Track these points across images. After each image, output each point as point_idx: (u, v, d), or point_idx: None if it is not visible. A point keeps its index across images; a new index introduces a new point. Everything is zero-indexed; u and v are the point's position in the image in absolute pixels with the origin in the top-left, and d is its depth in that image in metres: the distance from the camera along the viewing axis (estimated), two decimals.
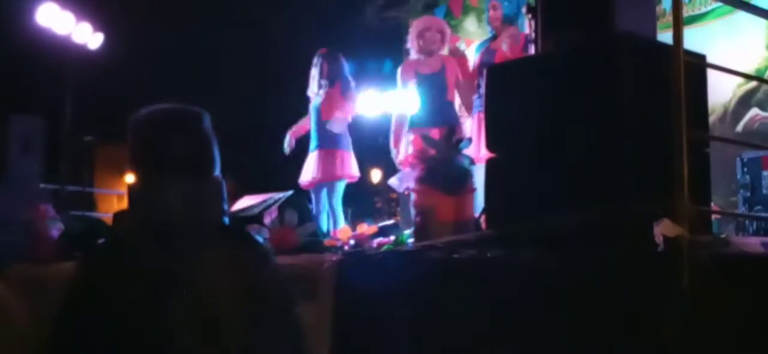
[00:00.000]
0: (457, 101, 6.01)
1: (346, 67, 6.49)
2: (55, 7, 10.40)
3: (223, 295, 1.92)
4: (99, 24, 10.97)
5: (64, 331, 1.99)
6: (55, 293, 4.48)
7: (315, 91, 6.45)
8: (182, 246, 1.94)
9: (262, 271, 2.03)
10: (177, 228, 1.95)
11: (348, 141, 6.32)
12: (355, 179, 6.39)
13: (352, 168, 6.29)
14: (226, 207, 2.12)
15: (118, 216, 4.67)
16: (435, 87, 5.85)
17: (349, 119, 6.33)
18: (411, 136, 5.78)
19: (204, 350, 1.89)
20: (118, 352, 1.88)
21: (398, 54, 11.40)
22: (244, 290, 1.94)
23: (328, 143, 6.24)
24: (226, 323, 1.91)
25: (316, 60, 6.49)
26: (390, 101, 6.51)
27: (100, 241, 2.42)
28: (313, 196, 6.30)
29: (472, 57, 6.19)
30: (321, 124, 6.27)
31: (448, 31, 6.22)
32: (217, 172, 2.08)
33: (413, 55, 6.12)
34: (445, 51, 6.03)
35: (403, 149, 5.93)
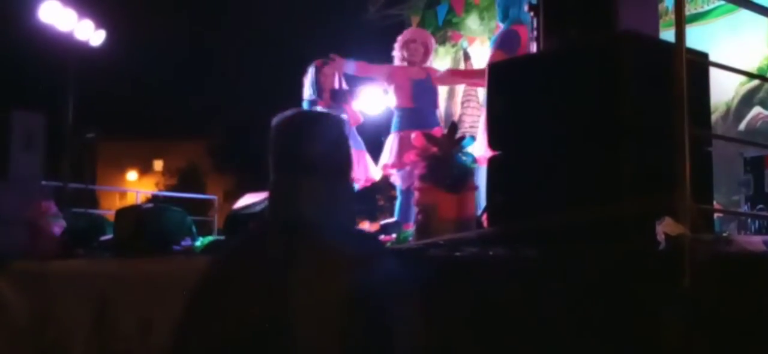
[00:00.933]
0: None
1: (338, 78, 6.54)
2: (57, 5, 10.42)
3: (341, 298, 1.97)
4: (101, 21, 11.00)
5: (193, 318, 2.07)
6: (56, 290, 4.50)
7: (307, 99, 6.50)
8: (309, 245, 2.00)
9: (380, 279, 2.09)
10: (309, 227, 2.02)
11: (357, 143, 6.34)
12: (364, 182, 6.40)
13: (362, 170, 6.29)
14: (353, 209, 2.21)
15: (123, 213, 4.67)
16: (425, 93, 6.21)
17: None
18: (394, 137, 5.93)
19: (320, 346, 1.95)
20: (240, 340, 1.93)
21: None
22: (361, 294, 2.00)
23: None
24: (340, 322, 1.96)
25: (310, 70, 6.57)
26: (392, 100, 6.55)
27: (225, 242, 2.56)
28: None
29: (486, 52, 6.22)
30: None
31: (432, 45, 6.53)
32: (350, 174, 2.17)
33: (398, 62, 6.34)
34: (427, 64, 6.43)
35: (387, 150, 6.04)
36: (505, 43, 5.43)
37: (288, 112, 2.19)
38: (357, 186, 6.17)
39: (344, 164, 2.17)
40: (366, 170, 6.29)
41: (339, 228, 2.10)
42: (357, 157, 6.15)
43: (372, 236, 2.30)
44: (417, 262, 3.07)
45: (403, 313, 2.12)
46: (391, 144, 6.11)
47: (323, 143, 2.11)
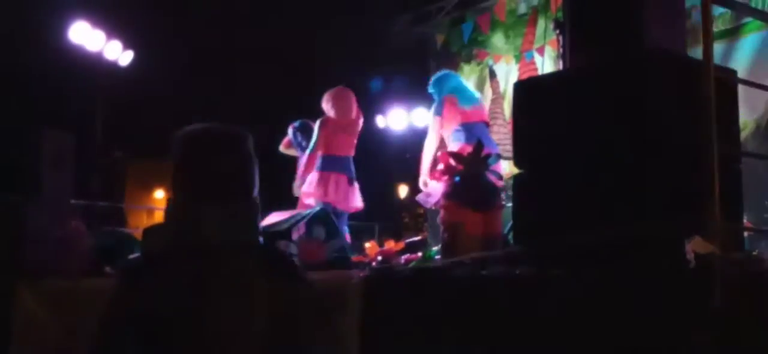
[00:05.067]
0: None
1: (299, 136, 6.88)
2: (86, 26, 10.56)
3: (255, 316, 1.94)
4: (129, 41, 11.12)
5: (102, 346, 2.02)
6: (85, 307, 4.53)
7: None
8: (215, 266, 1.96)
9: (294, 294, 2.04)
10: (212, 248, 1.97)
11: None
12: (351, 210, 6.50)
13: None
14: (259, 227, 2.15)
15: (150, 231, 4.70)
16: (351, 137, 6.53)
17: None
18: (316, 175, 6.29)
19: None
20: None
21: (425, 69, 11.43)
22: (276, 312, 1.96)
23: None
24: (256, 343, 1.93)
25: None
26: (418, 117, 6.60)
27: (133, 257, 2.46)
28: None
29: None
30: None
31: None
32: (255, 193, 2.10)
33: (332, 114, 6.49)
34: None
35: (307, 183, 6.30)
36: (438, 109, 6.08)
37: (194, 128, 2.12)
38: (346, 212, 6.30)
39: (251, 182, 2.09)
40: (352, 199, 6.37)
41: (251, 249, 2.04)
42: (345, 186, 6.32)
43: (284, 255, 2.25)
44: (443, 280, 3.07)
45: (322, 335, 2.07)
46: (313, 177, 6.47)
47: (232, 162, 2.05)
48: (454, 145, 5.80)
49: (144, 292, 1.95)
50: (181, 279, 1.94)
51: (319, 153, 6.31)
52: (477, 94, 6.49)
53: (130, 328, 1.93)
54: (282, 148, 7.05)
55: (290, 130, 6.97)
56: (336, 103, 6.42)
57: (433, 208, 5.98)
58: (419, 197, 5.95)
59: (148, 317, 1.91)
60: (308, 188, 6.24)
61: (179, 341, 1.90)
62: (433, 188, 5.81)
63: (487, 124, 6.26)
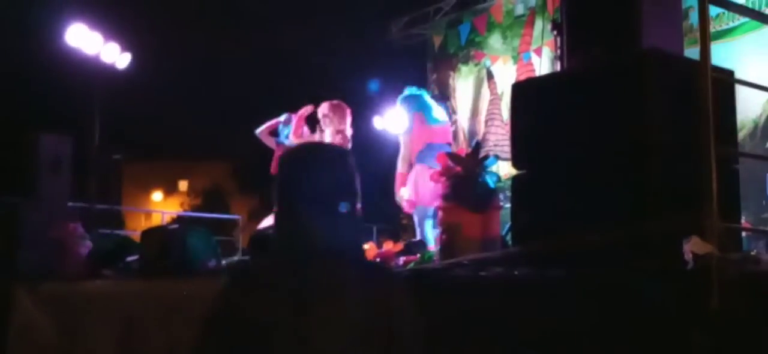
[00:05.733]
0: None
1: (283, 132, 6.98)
2: (83, 28, 10.55)
3: (353, 326, 2.03)
4: (127, 44, 11.11)
5: (205, 347, 2.13)
6: (83, 310, 4.52)
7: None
8: (318, 274, 2.06)
9: (396, 308, 2.14)
10: (315, 256, 2.07)
11: None
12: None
13: None
14: (361, 239, 2.28)
15: (152, 233, 4.70)
16: None
17: None
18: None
19: None
20: None
21: (422, 70, 11.44)
22: (374, 324, 2.05)
23: None
24: (355, 351, 2.02)
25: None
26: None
27: (244, 263, 2.63)
28: None
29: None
30: None
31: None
32: (358, 206, 2.23)
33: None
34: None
35: None
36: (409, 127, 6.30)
37: (301, 146, 2.30)
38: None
39: (353, 194, 2.23)
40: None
41: (352, 258, 2.16)
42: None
43: (385, 266, 2.37)
44: (441, 281, 3.07)
45: (416, 346, 2.17)
46: None
47: (333, 174, 2.19)
48: (418, 166, 6.09)
49: (249, 297, 2.05)
50: (282, 287, 2.04)
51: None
52: (443, 117, 6.69)
53: (234, 331, 2.02)
54: (261, 134, 7.00)
55: (281, 123, 7.01)
56: (334, 115, 6.49)
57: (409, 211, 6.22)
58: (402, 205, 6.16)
59: (250, 323, 2.01)
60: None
61: (281, 346, 1.98)
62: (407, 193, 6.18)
63: (449, 145, 6.51)
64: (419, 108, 6.33)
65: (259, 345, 2.01)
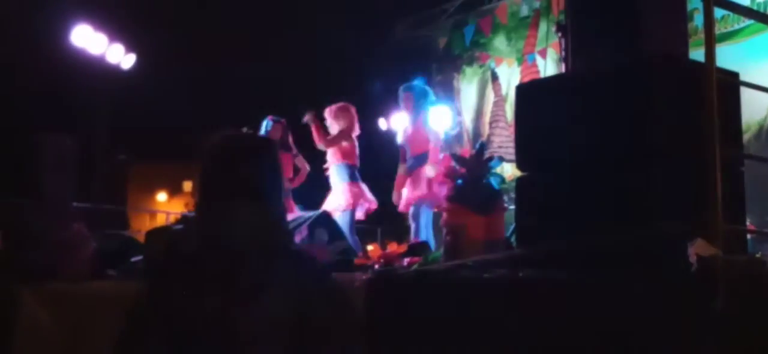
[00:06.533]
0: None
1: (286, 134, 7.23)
2: (88, 29, 10.56)
3: (281, 317, 1.99)
4: (132, 45, 11.12)
5: (126, 345, 2.08)
6: (88, 311, 4.52)
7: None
8: (242, 268, 2.01)
9: (321, 299, 2.09)
10: (239, 250, 2.02)
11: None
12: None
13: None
14: (287, 231, 2.22)
15: (154, 234, 4.71)
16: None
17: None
18: None
19: None
20: None
21: (427, 72, 11.43)
22: (302, 315, 2.01)
23: None
24: (282, 344, 1.97)
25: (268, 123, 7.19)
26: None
27: (166, 259, 2.54)
28: None
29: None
30: None
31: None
32: (282, 198, 2.17)
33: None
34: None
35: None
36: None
37: (220, 135, 2.21)
38: (360, 213, 6.44)
39: (278, 186, 2.18)
40: (363, 197, 6.51)
41: (278, 250, 2.10)
42: (358, 189, 6.53)
43: (310, 258, 2.31)
44: (445, 282, 3.06)
45: (347, 338, 2.12)
46: None
47: (259, 166, 2.13)
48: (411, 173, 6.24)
49: (172, 293, 2.00)
50: (208, 280, 1.99)
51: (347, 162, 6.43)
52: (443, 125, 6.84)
53: (157, 327, 1.98)
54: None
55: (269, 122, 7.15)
56: (342, 116, 6.52)
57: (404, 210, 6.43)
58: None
59: (175, 317, 1.96)
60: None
61: (206, 341, 1.94)
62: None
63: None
64: (425, 108, 6.40)
65: (183, 343, 1.97)
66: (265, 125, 7.16)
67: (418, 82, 6.65)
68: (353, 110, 6.67)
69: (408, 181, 6.35)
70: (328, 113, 6.64)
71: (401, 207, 6.46)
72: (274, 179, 2.17)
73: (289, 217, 4.98)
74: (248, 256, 2.03)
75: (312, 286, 2.07)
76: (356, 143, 6.62)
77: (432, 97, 6.67)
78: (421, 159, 6.22)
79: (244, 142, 2.26)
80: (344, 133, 6.53)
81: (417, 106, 6.44)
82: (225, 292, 1.98)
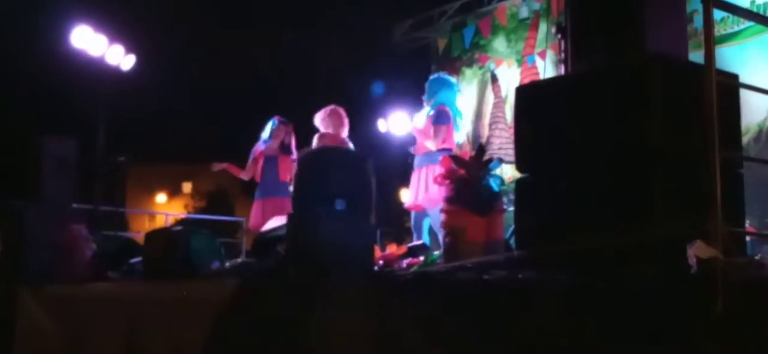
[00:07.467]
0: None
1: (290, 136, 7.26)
2: (88, 30, 10.57)
3: (362, 328, 2.01)
4: (131, 46, 11.13)
5: (221, 341, 2.13)
6: (87, 312, 4.53)
7: (267, 145, 7.17)
8: (328, 276, 2.04)
9: (400, 308, 2.12)
10: (328, 264, 2.05)
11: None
12: None
13: None
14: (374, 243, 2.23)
15: (156, 235, 4.70)
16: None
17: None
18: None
19: None
20: None
21: (426, 74, 11.42)
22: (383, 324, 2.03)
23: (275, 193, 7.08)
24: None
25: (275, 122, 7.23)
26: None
27: (262, 262, 2.57)
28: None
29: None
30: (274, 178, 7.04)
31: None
32: (373, 215, 2.18)
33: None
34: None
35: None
36: (439, 117, 6.27)
37: (317, 148, 2.25)
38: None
39: (367, 201, 2.19)
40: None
41: (360, 263, 2.12)
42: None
43: (391, 273, 2.32)
44: (445, 284, 3.07)
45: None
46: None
47: (348, 179, 2.14)
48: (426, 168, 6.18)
49: (262, 297, 2.04)
50: (295, 287, 2.02)
51: None
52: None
53: (246, 330, 2.01)
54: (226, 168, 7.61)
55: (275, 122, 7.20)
56: (331, 121, 6.54)
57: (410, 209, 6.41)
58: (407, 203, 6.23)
59: (263, 321, 1.99)
60: None
61: (292, 345, 1.97)
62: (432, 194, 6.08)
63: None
64: (454, 116, 6.37)
65: (270, 346, 1.99)
66: (272, 124, 7.18)
67: (440, 75, 6.63)
68: (342, 112, 6.68)
69: (413, 181, 6.31)
70: (318, 118, 6.66)
71: (407, 205, 6.46)
72: (362, 192, 2.21)
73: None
74: (330, 269, 2.07)
75: (392, 298, 2.10)
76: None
77: (451, 83, 6.58)
78: (429, 158, 6.16)
79: (336, 154, 2.38)
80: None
81: (431, 94, 6.38)
82: (308, 300, 2.02)
